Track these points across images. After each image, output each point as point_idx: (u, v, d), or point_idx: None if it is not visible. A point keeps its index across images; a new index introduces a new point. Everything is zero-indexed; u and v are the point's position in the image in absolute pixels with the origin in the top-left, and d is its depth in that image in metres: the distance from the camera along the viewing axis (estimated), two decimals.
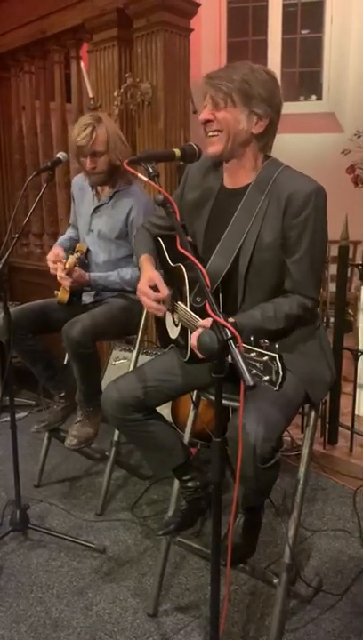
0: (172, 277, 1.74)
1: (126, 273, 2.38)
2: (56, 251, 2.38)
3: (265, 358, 1.11)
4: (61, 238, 2.65)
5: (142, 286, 1.67)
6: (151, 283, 1.66)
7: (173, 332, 1.80)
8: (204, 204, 1.70)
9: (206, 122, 1.55)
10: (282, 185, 1.53)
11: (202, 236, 1.70)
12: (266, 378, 1.11)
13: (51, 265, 2.34)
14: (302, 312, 1.54)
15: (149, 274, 1.69)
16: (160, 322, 1.91)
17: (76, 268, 2.28)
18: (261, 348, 1.12)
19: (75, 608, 1.89)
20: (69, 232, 2.66)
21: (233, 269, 1.59)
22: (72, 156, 2.41)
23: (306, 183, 1.52)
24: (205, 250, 1.68)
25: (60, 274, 2.27)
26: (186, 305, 1.62)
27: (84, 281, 2.31)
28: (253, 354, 1.13)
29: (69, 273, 2.25)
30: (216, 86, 1.51)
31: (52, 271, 2.35)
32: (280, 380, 1.09)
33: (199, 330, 1.43)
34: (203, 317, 1.51)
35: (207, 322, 1.39)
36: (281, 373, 1.09)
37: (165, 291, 1.65)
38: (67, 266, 2.23)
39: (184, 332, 1.68)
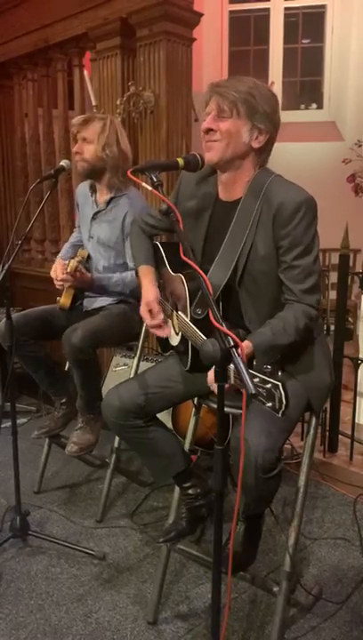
0: (172, 285, 1.75)
1: (127, 275, 2.39)
2: (60, 267, 2.39)
3: (268, 385, 1.12)
4: (64, 249, 2.66)
5: (142, 312, 1.74)
6: (149, 307, 1.72)
7: (174, 340, 1.80)
8: (201, 214, 1.70)
9: (209, 130, 1.57)
10: (273, 194, 1.54)
11: (201, 246, 1.70)
12: (269, 404, 1.12)
13: (57, 283, 2.37)
14: (308, 321, 1.54)
15: (147, 299, 1.74)
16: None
17: (80, 267, 2.29)
18: (264, 374, 1.13)
19: (74, 615, 1.89)
20: (72, 238, 2.68)
21: (232, 281, 1.60)
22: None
23: (296, 193, 1.53)
24: (204, 261, 1.68)
25: (62, 276, 2.28)
26: (186, 316, 1.63)
27: (87, 280, 2.32)
28: (256, 379, 1.14)
29: (72, 274, 2.25)
30: (223, 94, 1.53)
31: (57, 286, 2.37)
32: (283, 409, 1.10)
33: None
34: (203, 329, 1.52)
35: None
36: (284, 402, 1.10)
37: (160, 317, 1.70)
38: (68, 269, 2.23)
39: (185, 341, 1.69)
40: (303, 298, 1.55)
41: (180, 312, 1.67)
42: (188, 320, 1.61)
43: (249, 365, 1.18)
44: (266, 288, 1.59)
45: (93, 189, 2.49)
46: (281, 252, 1.54)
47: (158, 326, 1.72)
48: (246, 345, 1.40)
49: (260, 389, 1.12)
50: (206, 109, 1.58)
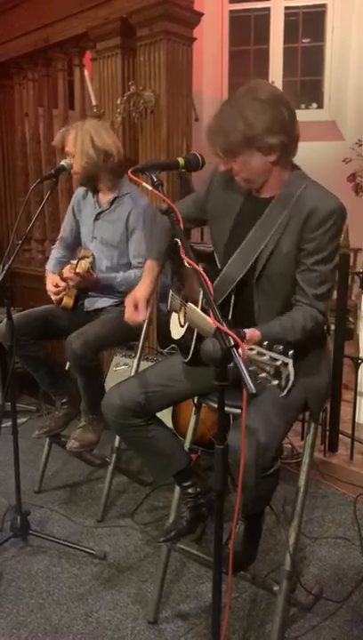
0: (187, 277, 1.76)
1: (130, 274, 2.40)
2: (54, 280, 2.41)
3: (278, 363, 1.12)
4: (50, 264, 2.61)
5: (127, 300, 1.78)
6: (135, 303, 1.76)
7: (177, 333, 1.81)
8: (229, 211, 1.71)
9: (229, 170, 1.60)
10: (305, 200, 1.55)
11: (224, 241, 1.71)
12: (275, 382, 1.12)
13: (53, 297, 2.40)
14: (314, 324, 1.56)
15: (136, 294, 1.77)
16: (166, 321, 1.93)
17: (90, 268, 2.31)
18: (274, 352, 1.14)
19: (75, 614, 1.89)
20: (56, 253, 2.64)
21: (249, 277, 1.61)
22: None
23: (330, 201, 1.54)
24: (225, 255, 1.69)
25: (69, 275, 2.28)
26: (198, 306, 1.64)
27: (93, 280, 2.32)
28: (265, 357, 1.15)
29: (82, 275, 2.25)
30: (214, 143, 1.54)
31: (53, 298, 2.41)
32: (290, 387, 1.11)
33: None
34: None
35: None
36: (291, 379, 1.10)
37: (142, 315, 1.75)
38: (79, 270, 2.24)
39: (189, 334, 1.69)
40: (314, 302, 1.57)
41: (189, 303, 1.67)
42: (198, 309, 1.61)
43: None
44: (280, 288, 1.61)
45: (95, 190, 2.49)
46: (303, 255, 1.56)
47: (133, 320, 1.76)
48: (254, 332, 1.39)
49: (267, 367, 1.13)
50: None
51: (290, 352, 1.12)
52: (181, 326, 1.79)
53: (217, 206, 1.74)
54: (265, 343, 1.17)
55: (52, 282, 2.41)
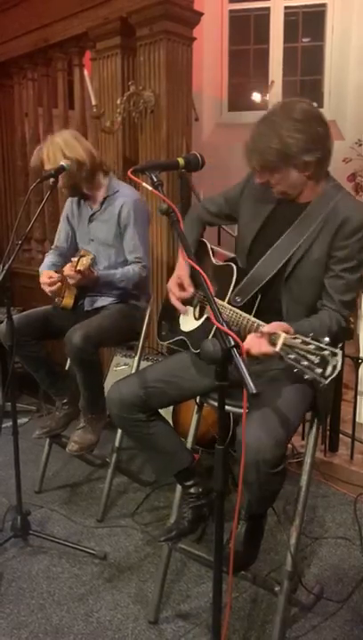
0: (213, 275, 1.79)
1: (128, 270, 2.40)
2: (48, 273, 2.41)
3: (325, 352, 1.18)
4: (44, 265, 2.60)
5: (170, 284, 1.83)
6: (179, 281, 1.81)
7: (189, 325, 1.82)
8: (261, 212, 1.74)
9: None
10: (340, 209, 1.60)
11: (250, 241, 1.74)
12: (318, 371, 1.17)
13: (48, 290, 2.39)
14: (338, 329, 1.59)
15: (179, 272, 1.82)
16: (167, 313, 1.95)
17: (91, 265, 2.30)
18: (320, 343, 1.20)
19: (75, 614, 1.89)
20: (51, 258, 2.63)
21: (278, 278, 1.65)
22: None
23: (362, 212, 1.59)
24: (252, 254, 1.73)
25: (70, 272, 2.28)
26: (224, 301, 1.67)
27: (93, 278, 2.32)
28: (311, 346, 1.20)
29: (83, 272, 2.25)
30: (252, 160, 1.58)
31: (48, 290, 2.39)
32: (334, 376, 1.16)
33: (256, 334, 1.43)
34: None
35: (274, 325, 1.41)
36: (338, 369, 1.16)
37: (190, 290, 1.79)
38: (80, 267, 2.23)
39: (204, 328, 1.74)
40: (340, 308, 1.61)
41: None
42: (224, 303, 1.66)
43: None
44: (308, 292, 1.65)
45: (86, 198, 2.52)
46: (333, 261, 1.61)
47: (180, 300, 1.79)
48: (287, 327, 1.40)
49: (312, 356, 1.19)
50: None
51: (339, 345, 1.16)
52: (196, 319, 1.81)
53: (249, 206, 1.78)
54: (311, 334, 1.24)
55: (46, 275, 2.40)
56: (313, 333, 1.45)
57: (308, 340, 1.24)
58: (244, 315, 1.59)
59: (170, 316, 1.94)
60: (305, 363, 1.21)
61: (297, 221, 1.65)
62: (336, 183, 1.69)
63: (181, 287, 1.80)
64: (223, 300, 1.66)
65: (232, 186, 1.87)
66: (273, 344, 1.35)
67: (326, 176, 1.67)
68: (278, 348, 1.32)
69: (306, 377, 1.23)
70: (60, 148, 2.31)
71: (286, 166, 1.56)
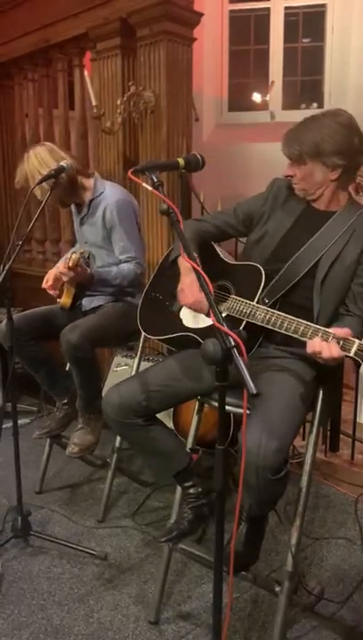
0: (229, 273, 1.81)
1: (123, 268, 2.41)
2: (50, 273, 2.42)
3: None
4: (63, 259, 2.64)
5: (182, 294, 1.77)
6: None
7: (198, 322, 1.80)
8: (286, 216, 1.80)
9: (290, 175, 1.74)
10: None
11: (276, 242, 1.78)
12: None
13: (46, 288, 2.40)
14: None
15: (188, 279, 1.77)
16: (154, 306, 1.94)
17: (81, 262, 2.30)
18: None
19: (76, 615, 1.89)
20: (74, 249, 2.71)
21: (305, 280, 1.70)
22: None
23: None
24: (275, 260, 1.76)
25: (63, 270, 2.28)
26: (253, 301, 1.68)
27: (87, 275, 2.31)
28: None
29: (74, 268, 2.25)
30: (290, 147, 1.69)
31: (50, 291, 2.41)
32: None
33: (332, 340, 1.46)
34: None
35: (342, 331, 1.46)
36: None
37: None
38: (70, 264, 2.23)
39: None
40: None
41: (233, 296, 1.72)
42: (255, 303, 1.67)
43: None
44: (337, 295, 1.70)
45: (76, 204, 2.56)
46: (361, 269, 1.68)
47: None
48: (349, 331, 1.46)
49: None
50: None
51: None
52: (208, 316, 1.78)
53: (273, 212, 1.83)
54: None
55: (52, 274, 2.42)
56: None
57: None
58: (289, 317, 1.58)
59: (161, 311, 1.91)
60: None
61: (324, 228, 1.72)
62: (355, 199, 1.77)
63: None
64: (252, 300, 1.68)
65: (246, 199, 1.91)
66: (343, 348, 1.42)
67: (349, 191, 1.75)
68: (352, 354, 1.41)
69: None
70: (35, 167, 2.36)
71: (315, 161, 1.66)
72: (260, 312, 1.63)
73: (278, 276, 1.72)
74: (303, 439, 2.55)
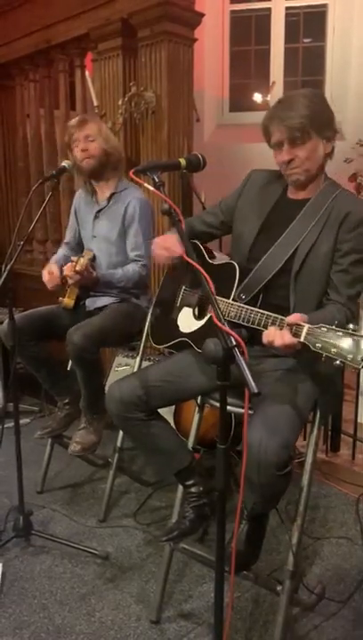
0: (210, 273, 1.78)
1: (128, 269, 2.41)
2: (49, 268, 2.42)
3: (355, 337, 1.21)
4: (54, 258, 2.63)
5: (155, 245, 1.80)
6: (166, 246, 1.74)
7: (191, 326, 1.82)
8: (260, 211, 1.76)
9: (289, 161, 1.63)
10: (340, 204, 1.64)
11: (252, 238, 1.75)
12: (350, 356, 1.22)
13: (46, 281, 2.40)
14: (346, 323, 1.58)
15: (166, 238, 1.78)
16: (162, 318, 1.95)
17: (89, 265, 2.31)
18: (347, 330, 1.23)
19: (77, 614, 1.89)
20: (63, 251, 2.67)
21: (284, 273, 1.65)
22: (68, 151, 2.46)
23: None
24: (253, 253, 1.74)
25: (69, 273, 2.29)
26: (229, 299, 1.67)
27: (93, 278, 2.32)
28: (339, 333, 1.24)
29: (81, 272, 2.26)
30: (291, 124, 1.58)
31: (49, 286, 2.40)
32: None
33: (276, 327, 1.44)
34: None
35: (293, 317, 1.41)
36: None
37: (178, 250, 1.67)
38: (78, 267, 2.24)
39: (206, 328, 1.73)
40: (348, 303, 1.62)
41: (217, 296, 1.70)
42: (230, 301, 1.65)
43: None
44: (317, 285, 1.65)
45: (93, 191, 2.51)
46: (339, 255, 1.62)
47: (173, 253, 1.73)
48: (305, 318, 1.40)
49: (340, 343, 1.25)
50: (273, 140, 1.64)
51: None
52: (198, 319, 1.81)
53: (248, 208, 1.79)
54: (336, 322, 1.28)
55: (47, 269, 2.42)
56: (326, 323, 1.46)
57: (333, 327, 1.26)
58: (255, 309, 1.57)
59: (165, 320, 1.94)
60: (334, 350, 1.23)
61: (299, 216, 1.67)
62: (332, 180, 1.71)
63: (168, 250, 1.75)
64: (228, 298, 1.66)
65: (228, 194, 1.88)
66: (296, 335, 1.36)
67: (326, 174, 1.70)
68: (302, 339, 1.34)
69: (336, 364, 1.25)
70: (108, 129, 2.44)
71: (317, 135, 1.60)
72: (232, 309, 1.62)
73: (252, 272, 1.69)
74: (304, 439, 2.55)
